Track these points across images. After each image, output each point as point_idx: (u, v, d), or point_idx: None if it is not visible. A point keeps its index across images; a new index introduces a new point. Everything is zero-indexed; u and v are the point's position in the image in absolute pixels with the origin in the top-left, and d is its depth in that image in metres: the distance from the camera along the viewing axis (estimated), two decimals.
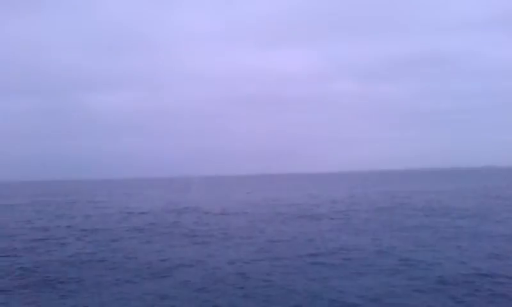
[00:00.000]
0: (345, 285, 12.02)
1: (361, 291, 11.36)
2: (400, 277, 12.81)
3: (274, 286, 12.11)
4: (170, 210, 36.73)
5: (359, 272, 13.46)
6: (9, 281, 13.60)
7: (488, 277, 12.42)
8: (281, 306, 10.51)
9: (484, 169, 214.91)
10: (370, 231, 21.61)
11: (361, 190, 61.95)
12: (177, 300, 11.10)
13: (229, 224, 26.38)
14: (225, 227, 24.88)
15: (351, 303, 10.51)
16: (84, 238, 21.99)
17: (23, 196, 71.62)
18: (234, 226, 25.39)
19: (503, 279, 12.32)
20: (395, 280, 12.47)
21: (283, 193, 61.94)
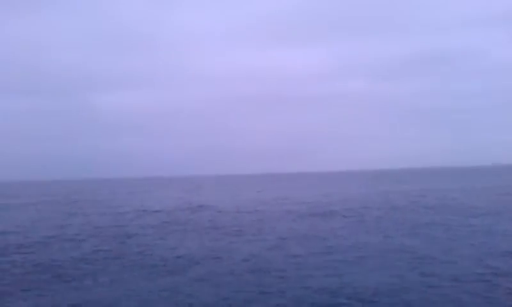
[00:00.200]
0: (360, 281, 12.11)
1: (376, 287, 11.45)
2: (414, 273, 12.86)
3: (289, 282, 12.25)
4: (184, 209, 37.02)
5: (373, 269, 13.55)
6: (23, 276, 13.90)
7: (504, 276, 12.39)
8: (297, 302, 10.62)
9: (488, 167, 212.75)
10: (383, 229, 21.64)
11: (370, 189, 61.76)
12: (193, 296, 11.27)
13: (243, 221, 26.57)
14: (240, 224, 25.09)
15: (366, 298, 10.60)
16: (98, 235, 22.32)
17: (30, 196, 72.46)
18: (248, 223, 25.56)
19: None
20: (409, 276, 12.53)
21: (293, 192, 61.98)
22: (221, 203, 43.21)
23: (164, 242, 19.88)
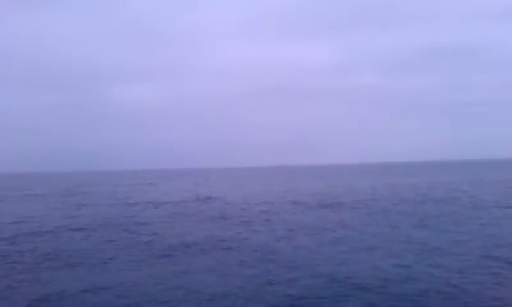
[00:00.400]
0: (368, 271, 12.15)
1: (384, 277, 11.49)
2: (422, 264, 12.86)
3: (298, 272, 12.31)
4: (192, 200, 37.22)
5: (381, 259, 13.57)
6: (35, 264, 14.14)
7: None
8: (306, 291, 10.69)
9: (505, 161, 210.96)
10: (391, 220, 21.65)
11: (377, 182, 61.57)
12: (202, 284, 11.38)
13: (251, 212, 26.69)
14: (248, 215, 25.22)
15: (374, 288, 10.63)
16: (107, 225, 22.53)
17: (40, 187, 73.14)
18: (256, 214, 25.68)
19: None
20: (416, 267, 12.54)
21: (300, 184, 62.04)
22: (228, 194, 43.38)
23: (172, 231, 20.06)
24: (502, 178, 59.44)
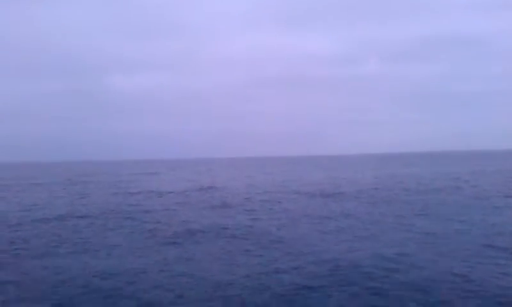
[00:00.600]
0: (372, 259, 12.20)
1: (387, 265, 11.54)
2: (426, 252, 12.90)
3: (302, 260, 12.35)
4: (195, 189, 37.34)
5: (385, 246, 13.62)
6: (39, 249, 14.28)
7: None
8: (310, 278, 10.76)
9: (507, 152, 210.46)
10: (394, 209, 21.70)
11: (381, 172, 61.60)
12: (207, 271, 11.47)
13: (254, 201, 26.78)
14: (251, 204, 25.31)
15: (378, 277, 10.69)
16: (110, 213, 22.66)
17: (45, 176, 73.42)
18: (259, 203, 25.77)
19: None
20: (420, 255, 12.58)
21: (303, 174, 62.14)
22: (232, 184, 43.50)
23: (176, 219, 20.13)
24: (503, 168, 59.42)
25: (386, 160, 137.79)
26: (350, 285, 10.08)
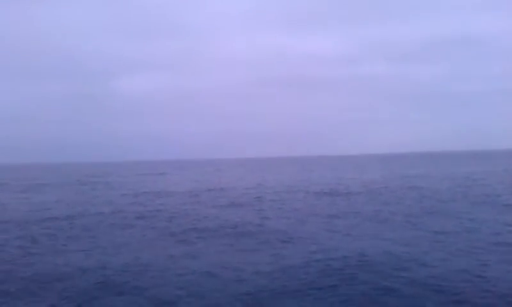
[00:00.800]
0: (382, 255, 12.19)
1: (397, 262, 11.52)
2: (436, 250, 12.85)
3: (314, 256, 12.35)
4: (204, 190, 37.44)
5: (395, 243, 13.58)
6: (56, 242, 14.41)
7: None
8: (320, 275, 10.74)
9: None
10: (405, 207, 21.67)
11: (392, 172, 61.40)
12: (220, 268, 11.50)
13: (263, 201, 26.83)
14: (260, 204, 25.39)
15: (389, 273, 10.67)
16: (119, 212, 22.78)
17: (59, 177, 73.89)
18: (269, 202, 25.81)
19: None
20: (431, 253, 12.53)
21: (312, 174, 62.08)
22: (240, 184, 43.54)
23: (187, 219, 20.17)
24: (510, 168, 59.06)
25: (389, 160, 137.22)
26: (361, 284, 9.98)
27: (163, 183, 48.31)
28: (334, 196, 28.61)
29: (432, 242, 13.85)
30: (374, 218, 18.96)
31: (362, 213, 20.30)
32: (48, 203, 28.60)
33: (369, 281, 10.16)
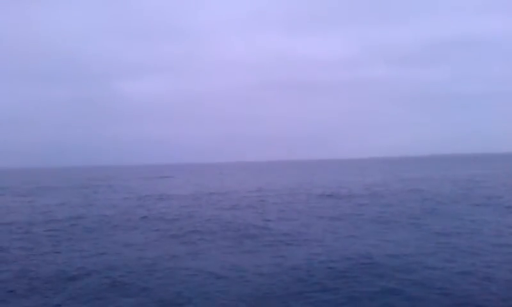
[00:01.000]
0: (387, 257, 12.24)
1: (402, 263, 11.57)
2: (442, 251, 12.89)
3: (317, 258, 12.40)
4: (207, 193, 37.49)
5: (401, 246, 13.64)
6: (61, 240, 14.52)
7: None
8: (326, 274, 10.80)
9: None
10: (407, 208, 21.74)
11: (394, 175, 61.40)
12: (224, 268, 11.57)
13: (267, 204, 26.90)
14: (264, 206, 25.45)
15: (395, 271, 10.73)
16: (123, 214, 22.87)
17: (62, 181, 74.00)
18: (273, 206, 25.85)
19: None
20: (436, 254, 12.58)
21: (316, 177, 62.09)
22: (242, 188, 43.57)
23: (190, 221, 20.23)
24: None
25: (391, 163, 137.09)
26: (365, 285, 9.98)
27: (165, 187, 48.39)
28: (336, 199, 28.67)
29: (436, 244, 13.89)
30: (376, 220, 19.01)
31: (365, 216, 20.36)
32: (52, 206, 28.70)
33: (373, 282, 10.16)
